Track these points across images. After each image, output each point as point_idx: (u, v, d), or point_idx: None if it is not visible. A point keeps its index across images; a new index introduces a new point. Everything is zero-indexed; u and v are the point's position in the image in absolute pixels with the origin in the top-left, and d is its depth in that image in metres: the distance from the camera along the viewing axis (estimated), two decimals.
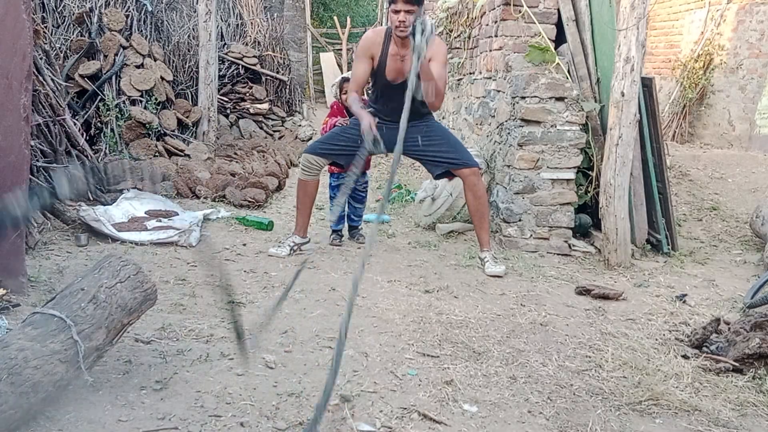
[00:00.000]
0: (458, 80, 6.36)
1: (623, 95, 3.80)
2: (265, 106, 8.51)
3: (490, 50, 4.97)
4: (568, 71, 4.33)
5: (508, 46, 4.56)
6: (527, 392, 2.29)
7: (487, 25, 5.08)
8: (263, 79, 8.76)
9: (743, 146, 7.39)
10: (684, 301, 3.39)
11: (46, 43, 4.52)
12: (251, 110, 8.41)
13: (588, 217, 4.46)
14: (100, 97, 5.96)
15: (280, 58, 9.19)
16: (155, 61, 6.60)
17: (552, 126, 4.17)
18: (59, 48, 6.07)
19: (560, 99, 4.17)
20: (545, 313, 3.12)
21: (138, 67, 6.32)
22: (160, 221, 4.15)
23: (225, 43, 8.51)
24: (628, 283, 3.70)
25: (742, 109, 7.63)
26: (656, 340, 2.86)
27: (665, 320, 3.13)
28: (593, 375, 2.46)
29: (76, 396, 2.00)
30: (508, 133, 4.39)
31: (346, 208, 4.29)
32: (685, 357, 2.66)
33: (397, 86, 3.62)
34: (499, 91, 4.71)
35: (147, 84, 6.26)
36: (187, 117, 6.78)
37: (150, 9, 6.86)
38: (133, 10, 6.63)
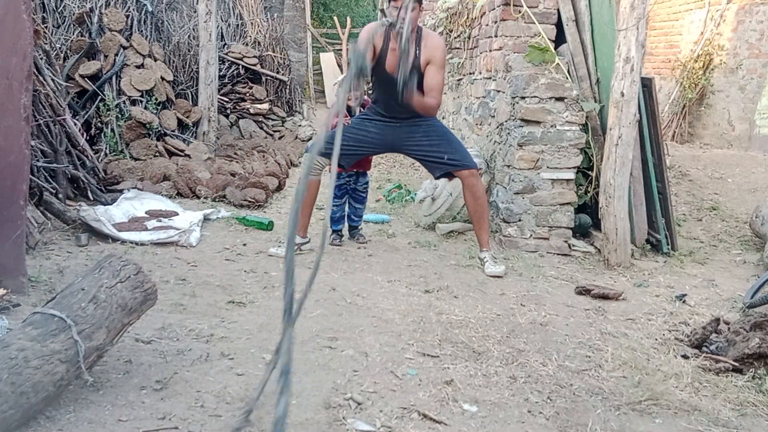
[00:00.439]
0: (458, 80, 6.37)
1: (623, 95, 3.80)
2: (266, 106, 8.52)
3: (490, 50, 4.97)
4: (568, 71, 4.33)
5: (508, 46, 4.56)
6: (527, 392, 2.29)
7: (487, 25, 5.09)
8: (263, 79, 8.77)
9: (743, 146, 7.39)
10: (684, 301, 3.40)
11: (46, 43, 4.52)
12: (251, 110, 8.41)
13: (588, 217, 4.46)
14: (100, 97, 5.96)
15: (280, 58, 9.20)
16: (155, 61, 6.60)
17: (552, 126, 4.17)
18: (59, 48, 6.08)
19: (560, 99, 4.17)
20: (545, 313, 3.12)
21: (138, 67, 6.33)
22: (161, 221, 4.16)
23: (225, 43, 8.51)
24: (627, 283, 3.71)
25: (742, 109, 7.63)
26: (656, 339, 2.86)
27: (665, 320, 3.13)
28: (593, 375, 2.46)
29: (76, 396, 2.00)
30: (508, 133, 4.39)
31: (347, 208, 4.30)
32: (684, 357, 2.66)
33: (395, 81, 3.62)
34: (499, 91, 4.71)
35: (147, 84, 6.26)
36: (187, 117, 6.78)
37: (150, 9, 6.86)
38: (133, 10, 6.63)
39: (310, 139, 8.37)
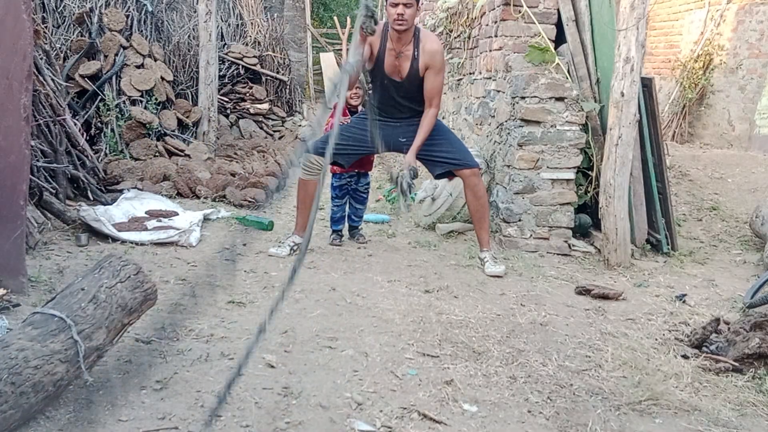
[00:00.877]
0: (458, 80, 6.37)
1: (623, 95, 3.80)
2: (265, 106, 8.52)
3: (490, 50, 4.97)
4: (568, 71, 4.33)
5: (508, 46, 4.56)
6: (527, 392, 2.29)
7: (487, 25, 5.08)
8: (263, 79, 8.77)
9: (743, 146, 7.39)
10: (684, 301, 3.40)
11: (46, 43, 4.52)
12: (251, 110, 8.41)
13: (588, 217, 4.46)
14: (100, 97, 5.96)
15: (280, 58, 9.20)
16: (155, 61, 6.60)
17: (552, 126, 4.17)
18: (59, 48, 6.08)
19: (560, 99, 4.17)
20: (545, 313, 3.12)
21: (138, 67, 6.33)
22: (161, 221, 4.16)
23: (225, 43, 8.51)
24: (627, 283, 3.70)
25: (742, 109, 7.63)
26: (656, 339, 2.86)
27: (665, 320, 3.13)
28: (593, 375, 2.46)
29: (76, 396, 2.00)
30: (508, 133, 4.39)
31: (347, 208, 4.29)
32: (684, 357, 2.66)
33: (393, 83, 3.62)
34: (499, 91, 4.71)
35: (147, 84, 6.26)
36: (187, 117, 6.78)
37: (150, 9, 6.86)
38: (133, 10, 6.63)
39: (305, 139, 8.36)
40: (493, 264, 3.71)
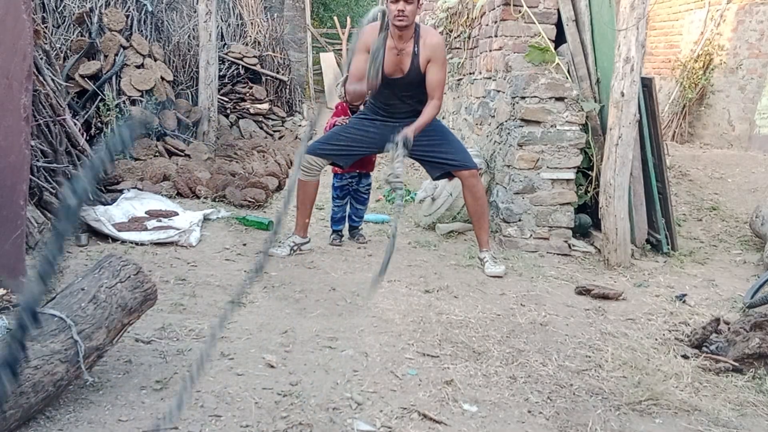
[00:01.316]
0: (458, 80, 6.37)
1: (623, 95, 3.80)
2: (265, 106, 8.52)
3: (490, 50, 4.97)
4: (568, 71, 4.33)
5: (508, 46, 4.56)
6: (527, 392, 2.29)
7: (487, 25, 5.08)
8: (263, 79, 8.76)
9: (743, 146, 7.39)
10: (684, 301, 3.40)
11: (46, 43, 4.52)
12: (251, 110, 8.41)
13: (588, 217, 4.46)
14: (100, 97, 5.96)
15: (280, 58, 9.20)
16: (155, 61, 6.60)
17: (552, 126, 4.17)
18: (59, 48, 6.08)
19: (560, 99, 4.17)
20: (545, 313, 3.12)
21: (138, 67, 6.33)
22: (160, 221, 4.16)
23: (225, 43, 8.51)
24: (627, 283, 3.70)
25: (742, 109, 7.63)
26: (656, 340, 2.86)
27: (665, 320, 3.13)
28: (593, 375, 2.46)
29: (76, 396, 2.00)
30: (508, 133, 4.39)
31: (348, 209, 4.29)
32: (684, 357, 2.66)
33: (395, 81, 3.62)
34: (499, 91, 4.71)
35: (147, 84, 6.26)
36: (187, 117, 6.78)
37: (150, 9, 6.86)
38: (133, 10, 6.63)
39: (310, 139, 8.35)
40: (493, 264, 3.71)
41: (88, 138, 5.54)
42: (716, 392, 2.38)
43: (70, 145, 4.49)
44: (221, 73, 8.01)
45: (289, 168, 6.66)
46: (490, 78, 5.02)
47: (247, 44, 8.75)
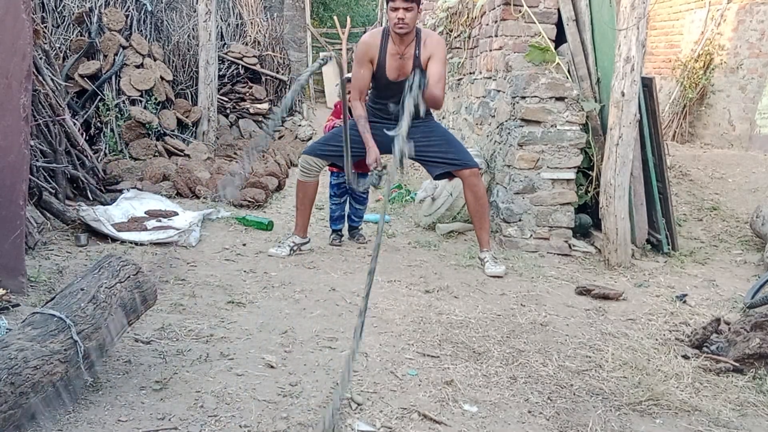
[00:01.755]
0: (458, 80, 6.36)
1: (623, 95, 3.80)
2: (265, 106, 8.51)
3: (490, 50, 4.97)
4: (568, 71, 4.33)
5: (508, 45, 4.56)
6: (527, 392, 2.28)
7: (487, 24, 5.08)
8: (263, 79, 8.76)
9: (743, 146, 7.39)
10: (684, 301, 3.39)
11: (46, 43, 4.52)
12: (251, 110, 8.41)
13: (588, 217, 4.45)
14: (99, 97, 5.96)
15: (280, 58, 9.19)
16: (155, 60, 6.60)
17: (552, 126, 4.17)
18: (59, 48, 6.08)
19: (560, 99, 4.17)
20: (545, 313, 3.12)
21: (138, 66, 6.33)
22: (160, 221, 4.16)
23: (225, 43, 8.51)
24: (628, 283, 3.70)
25: (743, 109, 7.62)
26: (656, 340, 2.86)
27: (665, 320, 3.12)
28: (593, 375, 2.46)
29: (76, 396, 2.00)
30: (508, 133, 4.39)
31: (347, 208, 4.29)
32: (685, 357, 2.66)
33: (397, 84, 3.61)
34: (499, 91, 4.71)
35: (147, 84, 6.26)
36: (187, 117, 6.78)
37: (150, 9, 6.86)
38: (132, 10, 6.64)
39: (310, 139, 8.35)
40: (493, 264, 3.70)
41: (87, 138, 5.55)
42: (717, 392, 2.38)
43: (69, 144, 4.49)
44: (221, 73, 8.01)
45: (289, 168, 6.66)
46: (490, 78, 5.01)
47: (246, 44, 8.75)
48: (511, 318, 3.01)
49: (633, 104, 3.83)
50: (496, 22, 4.75)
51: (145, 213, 4.31)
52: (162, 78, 6.54)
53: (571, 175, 4.22)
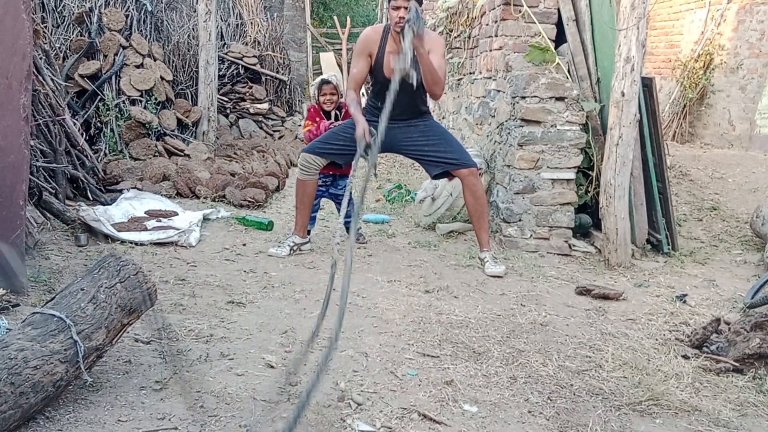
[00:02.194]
0: (458, 80, 6.36)
1: (623, 95, 3.80)
2: (265, 106, 8.51)
3: (490, 50, 4.97)
4: (568, 71, 4.33)
5: (508, 45, 4.56)
6: (527, 392, 2.28)
7: (487, 24, 5.08)
8: (263, 79, 8.76)
9: (743, 146, 7.38)
10: (684, 301, 3.39)
11: (45, 43, 4.52)
12: (251, 110, 8.41)
13: (588, 217, 4.45)
14: (99, 97, 5.96)
15: (280, 58, 9.19)
16: (155, 60, 6.60)
17: (552, 126, 4.17)
18: (59, 48, 6.07)
19: (560, 99, 4.17)
20: (545, 313, 3.12)
21: (138, 66, 6.32)
22: (160, 221, 4.15)
23: (225, 43, 8.51)
24: (628, 283, 3.70)
25: (743, 109, 7.62)
26: (656, 340, 2.86)
27: (665, 320, 3.12)
28: (593, 375, 2.46)
29: (75, 396, 2.00)
30: (508, 133, 4.39)
31: (318, 208, 4.14)
32: (685, 357, 2.66)
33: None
34: (499, 91, 4.71)
35: (147, 84, 6.26)
36: (187, 117, 6.78)
37: (150, 9, 6.86)
38: (132, 10, 6.63)
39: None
40: (493, 264, 3.70)
41: (87, 138, 5.54)
42: (717, 392, 2.38)
43: (69, 144, 4.48)
44: (221, 73, 8.01)
45: (289, 168, 6.66)
46: (490, 78, 5.01)
47: (246, 44, 8.75)
48: (511, 318, 3.01)
49: (633, 104, 3.83)
50: (496, 22, 4.75)
51: (145, 213, 4.31)
52: (162, 78, 6.54)
53: (571, 175, 4.22)
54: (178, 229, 3.95)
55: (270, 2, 11.02)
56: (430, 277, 3.58)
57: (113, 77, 6.10)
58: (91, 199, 4.56)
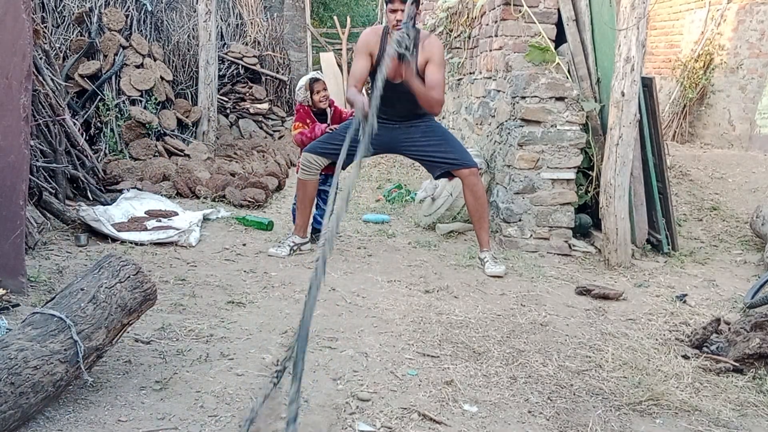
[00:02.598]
0: (458, 80, 6.36)
1: (623, 95, 3.80)
2: (265, 106, 8.51)
3: (490, 50, 4.97)
4: (568, 71, 4.33)
5: (508, 45, 4.56)
6: (527, 392, 2.28)
7: (487, 24, 5.08)
8: (263, 79, 8.76)
9: (743, 146, 7.38)
10: (684, 301, 3.39)
11: (46, 43, 4.52)
12: (251, 110, 8.41)
13: (588, 217, 4.45)
14: (99, 97, 5.96)
15: (280, 58, 9.19)
16: (155, 61, 6.60)
17: (552, 126, 4.17)
18: (59, 48, 6.07)
19: (560, 99, 4.17)
20: (545, 313, 3.12)
21: (138, 66, 6.32)
22: (160, 221, 4.16)
23: (225, 43, 8.51)
24: (628, 283, 3.70)
25: (743, 109, 7.62)
26: (656, 340, 2.86)
27: (665, 320, 3.12)
28: (593, 375, 2.46)
29: (75, 396, 2.00)
30: (508, 133, 4.39)
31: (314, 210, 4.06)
32: (685, 357, 2.66)
33: (394, 85, 3.62)
34: (499, 91, 4.71)
35: (147, 84, 6.26)
36: (187, 117, 6.78)
37: (150, 9, 6.86)
38: (133, 9, 6.63)
39: None
40: (493, 264, 3.70)
41: (87, 138, 5.55)
42: (717, 392, 2.38)
43: (69, 144, 4.49)
44: (221, 73, 8.01)
45: (289, 168, 6.66)
46: (490, 78, 5.01)
47: (246, 44, 8.75)
48: (511, 318, 3.01)
49: (633, 104, 3.83)
50: (496, 22, 4.75)
51: (145, 213, 4.31)
52: (162, 78, 6.54)
53: (571, 175, 4.22)
54: (178, 229, 3.95)
55: (270, 2, 11.02)
56: (430, 277, 3.58)
57: (113, 77, 6.10)
58: (91, 199, 4.56)
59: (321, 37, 14.53)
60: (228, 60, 8.34)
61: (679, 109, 8.36)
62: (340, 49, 14.33)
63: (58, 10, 6.37)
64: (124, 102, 6.08)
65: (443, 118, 7.08)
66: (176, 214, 4.36)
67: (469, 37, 5.81)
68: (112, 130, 5.90)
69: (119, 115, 5.96)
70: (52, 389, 1.84)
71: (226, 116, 8.25)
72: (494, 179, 4.62)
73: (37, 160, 4.03)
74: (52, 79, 4.32)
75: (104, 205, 4.42)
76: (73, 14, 6.29)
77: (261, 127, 8.45)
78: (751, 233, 4.64)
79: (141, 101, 6.22)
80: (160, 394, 2.07)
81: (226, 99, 8.28)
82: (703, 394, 2.36)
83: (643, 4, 3.74)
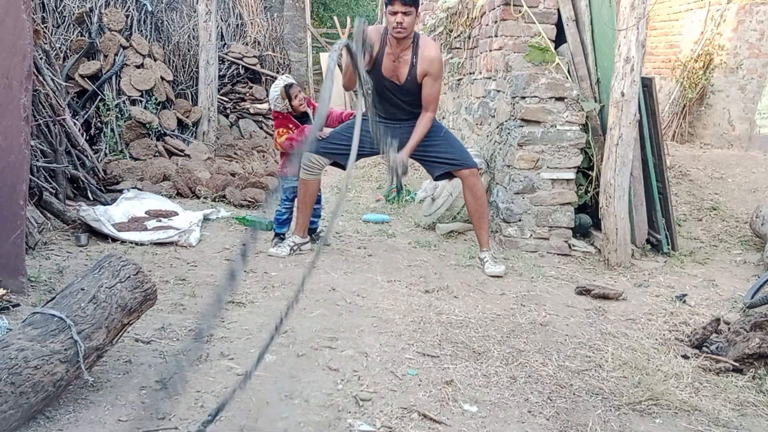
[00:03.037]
0: (458, 80, 6.36)
1: (623, 95, 3.80)
2: (265, 106, 8.50)
3: (490, 50, 4.97)
4: (568, 71, 4.33)
5: (508, 46, 4.56)
6: (527, 392, 2.29)
7: (487, 25, 5.08)
8: (263, 79, 8.76)
9: (743, 146, 7.38)
10: (684, 301, 3.39)
11: (46, 43, 4.52)
12: (251, 110, 8.40)
13: (588, 217, 4.45)
14: (100, 97, 5.96)
15: (280, 58, 9.19)
16: (155, 61, 6.60)
17: (552, 126, 4.17)
18: (59, 48, 6.08)
19: (560, 99, 4.17)
20: (545, 313, 3.12)
21: (138, 67, 6.33)
22: (160, 221, 4.16)
23: (225, 43, 8.51)
24: (628, 283, 3.70)
25: (742, 109, 7.62)
26: (656, 340, 2.86)
27: (665, 320, 3.13)
28: (593, 375, 2.46)
29: (75, 396, 2.00)
30: (508, 133, 4.39)
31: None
32: (685, 357, 2.66)
33: (392, 88, 3.64)
34: (499, 91, 4.71)
35: (147, 84, 6.26)
36: (187, 117, 6.78)
37: (150, 9, 6.86)
38: (133, 10, 6.63)
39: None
40: (493, 264, 3.71)
41: (87, 138, 5.55)
42: (716, 392, 2.38)
43: (69, 145, 4.49)
44: (221, 73, 8.01)
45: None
46: (490, 78, 5.02)
47: (247, 44, 8.75)
48: (511, 318, 3.01)
49: (633, 104, 3.83)
50: (496, 22, 4.75)
51: (146, 213, 4.31)
52: (162, 78, 6.54)
53: (571, 175, 4.22)
54: (178, 229, 3.95)
55: (270, 2, 11.02)
56: (430, 277, 3.58)
57: (113, 77, 6.10)
58: (92, 199, 4.57)
59: (321, 38, 14.54)
60: (228, 60, 8.34)
61: (678, 109, 8.36)
62: None
63: (59, 10, 6.38)
64: (124, 102, 6.08)
65: (443, 118, 7.09)
66: (176, 214, 4.36)
67: (469, 38, 5.81)
68: (112, 130, 5.90)
69: (119, 115, 5.96)
70: (52, 389, 1.84)
71: (227, 116, 8.25)
72: (494, 179, 4.63)
73: (38, 160, 4.03)
74: (52, 79, 4.32)
75: (104, 205, 4.42)
76: (73, 14, 6.29)
77: (261, 127, 8.45)
78: (750, 233, 4.64)
79: (141, 101, 6.23)
80: (160, 394, 2.07)
81: (227, 99, 8.28)
82: (702, 393, 2.36)
83: (642, 4, 3.74)
